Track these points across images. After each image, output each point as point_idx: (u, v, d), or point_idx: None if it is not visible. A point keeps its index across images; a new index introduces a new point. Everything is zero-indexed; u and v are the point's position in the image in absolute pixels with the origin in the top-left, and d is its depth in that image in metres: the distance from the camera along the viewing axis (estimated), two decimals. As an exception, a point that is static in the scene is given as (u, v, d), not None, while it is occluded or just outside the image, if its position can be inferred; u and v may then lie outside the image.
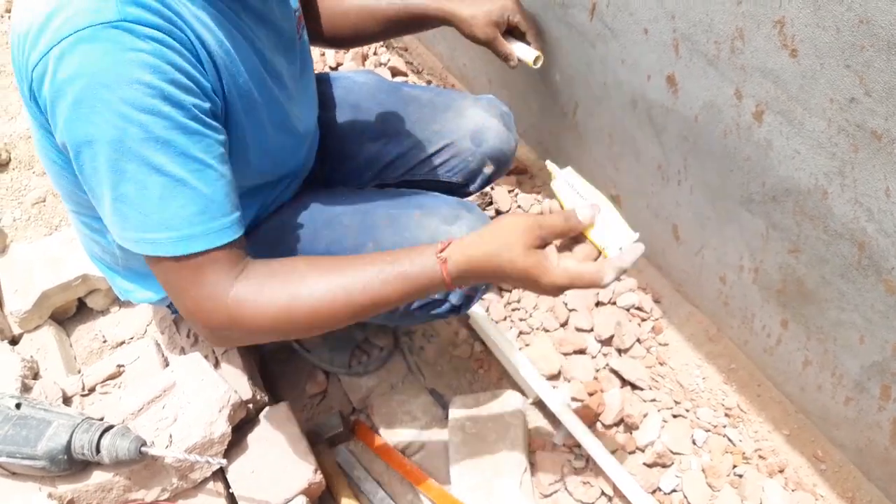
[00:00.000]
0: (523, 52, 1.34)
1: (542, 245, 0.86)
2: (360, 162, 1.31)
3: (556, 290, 0.86)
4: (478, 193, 1.65)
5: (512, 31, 1.37)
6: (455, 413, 1.32)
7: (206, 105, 0.81)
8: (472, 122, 1.34)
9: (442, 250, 0.85)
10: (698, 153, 1.22)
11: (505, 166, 1.43)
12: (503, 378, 1.45)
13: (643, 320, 1.51)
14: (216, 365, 1.25)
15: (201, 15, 0.82)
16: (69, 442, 1.00)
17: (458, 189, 1.40)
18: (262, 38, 0.94)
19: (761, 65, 1.00)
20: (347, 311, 0.84)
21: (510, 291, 1.58)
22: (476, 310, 1.51)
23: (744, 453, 1.32)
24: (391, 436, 1.32)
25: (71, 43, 0.73)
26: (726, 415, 1.38)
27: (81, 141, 0.76)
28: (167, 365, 1.29)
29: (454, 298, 1.06)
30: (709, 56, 1.08)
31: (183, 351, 1.31)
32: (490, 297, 1.57)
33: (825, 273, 1.09)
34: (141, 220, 0.79)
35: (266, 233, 1.10)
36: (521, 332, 1.52)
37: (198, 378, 1.13)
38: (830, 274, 1.09)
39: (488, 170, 1.38)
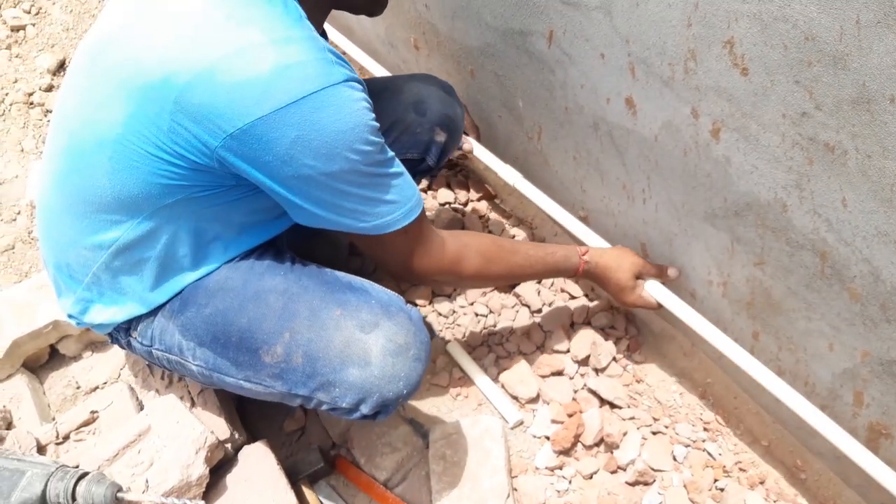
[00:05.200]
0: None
1: (639, 276, 1.36)
2: None
3: (627, 304, 1.37)
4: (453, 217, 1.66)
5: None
6: (435, 442, 1.31)
7: None
8: (411, 95, 1.38)
9: (584, 254, 1.34)
10: (661, 172, 1.24)
11: (456, 133, 1.49)
12: (483, 404, 1.45)
13: (618, 339, 1.52)
14: (192, 405, 1.24)
15: None
16: (44, 491, 0.98)
17: (418, 165, 1.43)
18: None
19: (715, 84, 1.02)
20: (519, 274, 1.30)
21: (486, 317, 1.58)
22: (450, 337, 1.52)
23: (724, 467, 1.33)
24: (372, 468, 1.31)
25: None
26: (705, 429, 1.39)
27: (336, 171, 0.95)
28: (142, 408, 1.27)
29: (365, 409, 1.07)
30: (664, 78, 1.10)
31: (158, 393, 1.30)
32: (467, 321, 1.58)
33: (791, 284, 1.11)
34: (390, 207, 1.03)
35: (207, 285, 1.11)
36: (498, 357, 1.52)
37: (173, 420, 1.12)
38: (796, 284, 1.10)
39: (440, 138, 1.43)
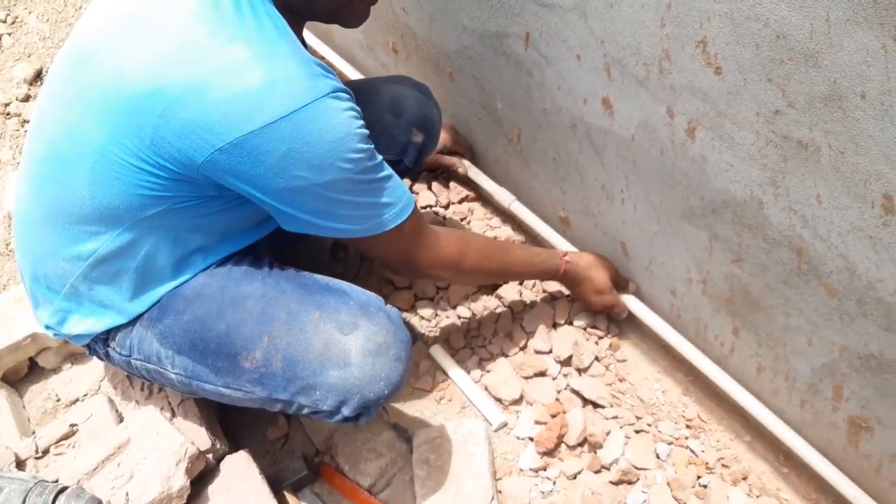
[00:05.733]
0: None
1: (613, 278, 1.44)
2: None
3: (603, 306, 1.46)
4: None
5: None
6: (419, 447, 1.31)
7: None
8: (387, 96, 1.40)
9: (565, 255, 1.41)
10: (638, 171, 1.24)
11: (433, 133, 1.51)
12: (467, 407, 1.45)
13: (600, 338, 1.53)
14: (172, 416, 1.22)
15: None
16: (22, 507, 0.97)
17: (395, 166, 1.44)
18: None
19: (689, 83, 1.03)
20: (510, 272, 1.37)
21: (468, 320, 1.58)
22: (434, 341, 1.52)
23: (707, 463, 1.34)
24: (357, 475, 1.30)
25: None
26: (687, 426, 1.40)
27: (328, 181, 0.96)
28: (121, 420, 1.26)
29: (346, 411, 1.07)
30: (639, 78, 1.11)
31: (138, 404, 1.29)
32: (449, 325, 1.58)
33: (769, 280, 1.12)
34: (383, 208, 1.05)
35: (184, 292, 1.10)
36: (481, 359, 1.52)
37: (152, 432, 1.11)
38: (774, 280, 1.11)
39: (417, 138, 1.45)
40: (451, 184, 1.88)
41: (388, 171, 1.06)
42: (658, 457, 1.35)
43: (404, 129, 1.44)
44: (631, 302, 1.46)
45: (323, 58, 2.29)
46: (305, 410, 1.08)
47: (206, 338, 1.06)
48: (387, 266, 1.27)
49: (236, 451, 1.23)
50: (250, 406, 1.10)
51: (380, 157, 1.04)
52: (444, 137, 1.73)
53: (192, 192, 0.99)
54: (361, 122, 1.00)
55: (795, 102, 0.90)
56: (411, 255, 1.15)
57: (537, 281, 1.63)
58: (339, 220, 1.02)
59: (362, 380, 1.05)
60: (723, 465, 1.34)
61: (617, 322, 1.54)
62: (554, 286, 1.61)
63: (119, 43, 0.95)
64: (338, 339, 1.05)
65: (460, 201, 1.84)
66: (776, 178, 0.99)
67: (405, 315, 1.62)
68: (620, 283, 1.47)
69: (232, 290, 1.08)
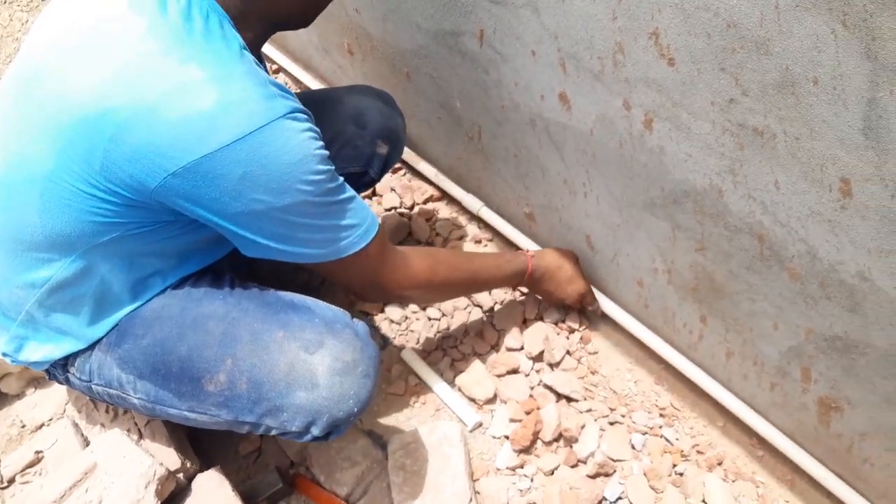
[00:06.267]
0: None
1: (579, 269, 1.46)
2: None
3: (578, 294, 1.45)
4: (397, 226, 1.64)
5: None
6: (394, 453, 1.30)
7: None
8: (350, 107, 1.37)
9: (528, 252, 1.42)
10: (599, 165, 1.24)
11: (398, 143, 1.48)
12: (441, 409, 1.44)
13: (571, 332, 1.53)
14: (139, 438, 1.20)
15: None
16: (-14, 543, 0.94)
17: (360, 178, 1.41)
18: None
19: (643, 75, 1.03)
20: (480, 281, 1.33)
21: (439, 321, 1.57)
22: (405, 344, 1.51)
23: (682, 451, 1.34)
24: (333, 484, 1.29)
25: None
26: (661, 415, 1.40)
27: (287, 204, 0.93)
28: (87, 444, 1.23)
29: (316, 431, 1.05)
30: (594, 72, 1.10)
31: (103, 427, 1.26)
32: (420, 327, 1.57)
33: (732, 267, 1.13)
34: (346, 231, 1.02)
35: (144, 315, 1.07)
36: (453, 360, 1.51)
37: (119, 455, 1.08)
38: (737, 267, 1.12)
39: (382, 150, 1.42)
40: (415, 184, 1.87)
41: (350, 192, 1.03)
42: (633, 447, 1.36)
43: (369, 141, 1.42)
44: (599, 297, 1.47)
45: (277, 63, 2.26)
46: (273, 432, 1.06)
47: (167, 361, 1.03)
48: (353, 292, 1.22)
49: (208, 468, 1.20)
50: (217, 428, 1.08)
51: (341, 179, 1.02)
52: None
53: (147, 217, 0.96)
54: (321, 142, 0.97)
55: (749, 91, 0.90)
56: (378, 278, 1.12)
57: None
58: (300, 245, 0.99)
59: (330, 400, 1.03)
60: (698, 452, 1.35)
61: (587, 315, 1.54)
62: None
63: (69, 62, 0.92)
64: (304, 359, 1.03)
65: (425, 202, 1.83)
66: (734, 167, 0.99)
67: (374, 318, 1.61)
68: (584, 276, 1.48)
69: (192, 311, 1.06)
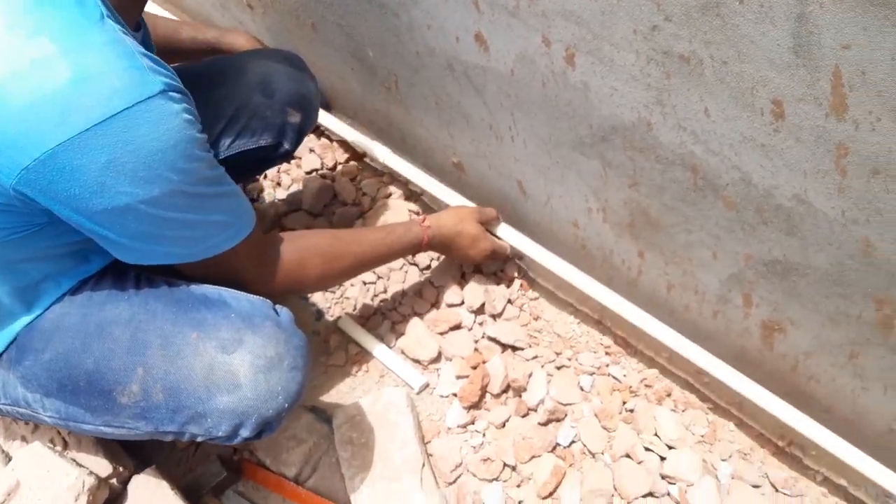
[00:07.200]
0: None
1: (481, 220, 1.38)
2: None
3: (485, 254, 1.38)
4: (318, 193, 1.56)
5: None
6: (339, 427, 1.25)
7: None
8: (256, 75, 1.27)
9: (423, 220, 1.31)
10: (522, 107, 1.19)
11: (310, 110, 1.38)
12: (386, 375, 1.39)
13: (511, 281, 1.49)
14: (65, 447, 1.11)
15: None
16: None
17: (274, 151, 1.32)
18: None
19: (561, 8, 0.97)
20: (367, 262, 1.22)
21: (375, 283, 1.51)
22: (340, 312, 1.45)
23: (630, 387, 1.34)
24: (280, 466, 1.23)
25: None
26: (606, 353, 1.39)
27: (156, 196, 0.83)
28: (9, 460, 1.14)
29: (245, 432, 0.97)
30: (509, 8, 1.04)
31: (24, 440, 1.17)
32: (356, 292, 1.51)
33: (666, 200, 1.10)
34: (218, 228, 0.93)
35: (42, 326, 0.97)
36: (393, 323, 1.46)
37: (43, 470, 1.00)
38: (671, 200, 1.09)
39: (294, 119, 1.32)
40: (335, 143, 1.79)
41: (230, 184, 0.95)
42: (582, 389, 1.34)
43: (278, 111, 1.30)
44: (528, 247, 1.43)
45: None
46: (200, 438, 0.97)
47: (73, 376, 0.94)
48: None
49: (145, 468, 1.13)
50: (140, 440, 1.00)
51: (221, 169, 0.93)
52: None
53: (18, 221, 0.85)
54: (199, 126, 0.87)
55: (672, 15, 0.85)
56: (249, 278, 1.03)
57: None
58: (166, 243, 0.90)
59: (257, 399, 0.95)
60: (646, 386, 1.35)
61: (525, 260, 1.51)
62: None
63: None
64: (222, 361, 0.94)
65: (347, 161, 1.75)
66: (662, 97, 0.95)
67: (306, 289, 1.54)
68: (490, 214, 1.41)
69: (95, 318, 0.96)
